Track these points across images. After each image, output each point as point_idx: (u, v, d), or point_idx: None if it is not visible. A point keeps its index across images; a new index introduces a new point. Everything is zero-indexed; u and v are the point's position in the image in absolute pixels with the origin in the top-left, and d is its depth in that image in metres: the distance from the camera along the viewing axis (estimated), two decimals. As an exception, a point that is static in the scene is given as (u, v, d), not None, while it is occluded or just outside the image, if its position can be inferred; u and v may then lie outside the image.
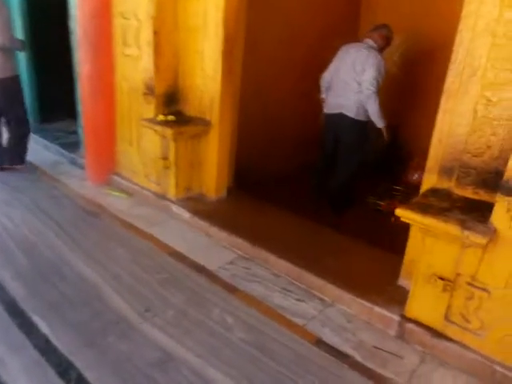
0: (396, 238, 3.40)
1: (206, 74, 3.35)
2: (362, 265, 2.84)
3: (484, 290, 2.04)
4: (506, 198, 1.88)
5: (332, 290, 2.60)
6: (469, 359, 2.12)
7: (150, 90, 3.48)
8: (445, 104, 2.22)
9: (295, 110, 4.75)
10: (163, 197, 3.61)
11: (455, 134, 2.21)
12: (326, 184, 3.94)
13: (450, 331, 2.18)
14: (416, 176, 4.84)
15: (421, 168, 4.77)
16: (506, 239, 1.92)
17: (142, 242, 3.08)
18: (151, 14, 3.25)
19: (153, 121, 3.42)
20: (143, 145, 3.72)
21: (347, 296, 2.53)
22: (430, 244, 2.15)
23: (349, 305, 2.53)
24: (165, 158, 3.46)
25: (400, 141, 5.03)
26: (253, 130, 3.88)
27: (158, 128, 3.32)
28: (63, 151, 4.68)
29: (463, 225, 1.94)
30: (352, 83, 3.49)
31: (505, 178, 1.88)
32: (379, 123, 3.52)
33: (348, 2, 5.07)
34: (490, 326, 2.06)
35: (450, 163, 2.25)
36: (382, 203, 4.19)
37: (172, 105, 3.61)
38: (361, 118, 3.54)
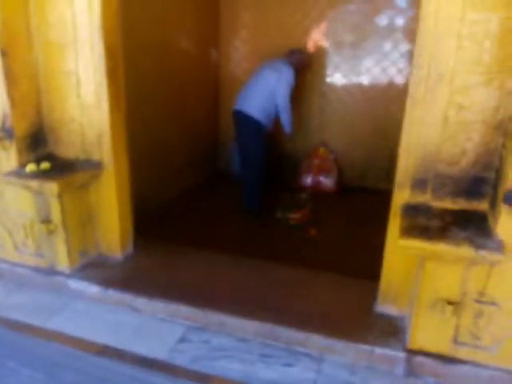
0: (327, 253, 3.28)
1: (86, 103, 2.56)
2: (330, 298, 2.53)
3: (493, 304, 1.93)
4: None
5: (318, 341, 2.22)
6: (486, 376, 2.01)
7: (6, 133, 2.51)
8: (410, 113, 2.04)
9: (181, 131, 4.24)
10: (51, 271, 2.69)
11: (426, 143, 2.04)
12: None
13: (462, 353, 2.04)
14: (309, 179, 4.81)
15: (311, 170, 4.85)
16: (511, 249, 1.82)
17: (45, 346, 2.19)
18: (-7, 27, 2.31)
19: (20, 174, 2.48)
20: (3, 207, 2.71)
21: (339, 344, 2.18)
22: (432, 268, 1.95)
23: (342, 353, 2.19)
24: (47, 221, 2.56)
25: (283, 146, 4.93)
26: (137, 159, 3.19)
27: (34, 183, 2.41)
28: None
29: (475, 245, 1.78)
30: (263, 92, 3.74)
31: (507, 187, 1.77)
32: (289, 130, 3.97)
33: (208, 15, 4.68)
34: (502, 339, 1.97)
35: (423, 175, 2.09)
36: (292, 216, 3.98)
37: (39, 147, 2.69)
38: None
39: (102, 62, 2.45)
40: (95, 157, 2.66)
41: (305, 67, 4.24)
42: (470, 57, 1.88)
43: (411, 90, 2.00)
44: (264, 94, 3.79)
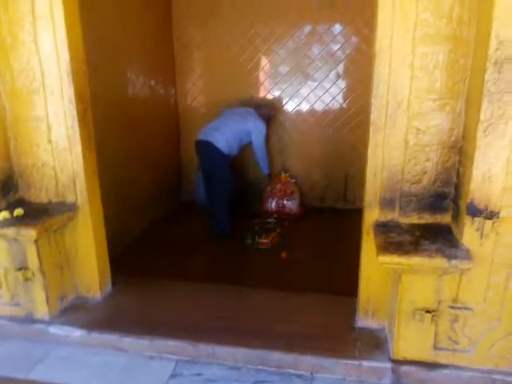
0: (301, 274, 3.39)
1: (58, 147, 2.57)
2: (312, 317, 2.62)
3: (467, 308, 2.09)
4: (474, 219, 1.96)
5: (307, 361, 2.29)
6: (467, 377, 2.15)
7: (-26, 182, 2.47)
8: (373, 138, 2.21)
9: (146, 166, 4.27)
10: (30, 319, 2.61)
11: (390, 165, 2.22)
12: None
13: (442, 358, 2.18)
14: (274, 203, 4.93)
15: (275, 195, 5.00)
16: (478, 257, 2.00)
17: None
18: (-42, 77, 2.30)
19: (-7, 222, 2.43)
20: (-27, 257, 2.62)
21: (327, 362, 2.27)
22: (408, 281, 2.09)
23: (332, 370, 2.27)
24: (23, 269, 2.50)
25: (246, 173, 5.05)
26: (106, 198, 3.19)
27: (9, 231, 2.37)
28: None
29: (447, 256, 1.95)
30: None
31: (468, 200, 1.95)
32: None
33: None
34: (477, 341, 2.13)
35: (390, 194, 2.26)
36: (262, 241, 4.07)
37: (10, 194, 2.65)
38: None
39: (73, 105, 2.48)
40: (70, 199, 2.65)
41: (271, 120, 4.68)
42: (423, 85, 2.08)
43: (373, 117, 2.18)
44: (234, 131, 4.08)
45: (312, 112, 4.86)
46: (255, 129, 4.17)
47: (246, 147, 4.34)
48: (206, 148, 4.02)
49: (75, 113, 2.50)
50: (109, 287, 2.91)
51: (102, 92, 3.30)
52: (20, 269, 2.51)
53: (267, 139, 4.46)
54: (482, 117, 1.84)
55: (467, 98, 2.04)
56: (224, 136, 3.99)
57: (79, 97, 2.51)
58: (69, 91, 2.47)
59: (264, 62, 4.78)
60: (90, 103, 2.66)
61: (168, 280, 3.14)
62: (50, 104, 2.50)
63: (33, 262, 2.50)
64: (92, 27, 2.71)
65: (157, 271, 3.37)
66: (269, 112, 4.56)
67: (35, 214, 2.53)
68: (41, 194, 2.68)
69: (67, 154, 2.57)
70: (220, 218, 4.12)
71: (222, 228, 4.13)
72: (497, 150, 1.86)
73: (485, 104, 1.83)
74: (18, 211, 2.51)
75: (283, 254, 3.83)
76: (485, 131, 1.85)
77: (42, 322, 2.59)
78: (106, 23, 3.41)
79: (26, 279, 2.52)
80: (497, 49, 1.75)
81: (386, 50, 2.07)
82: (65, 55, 2.40)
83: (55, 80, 2.45)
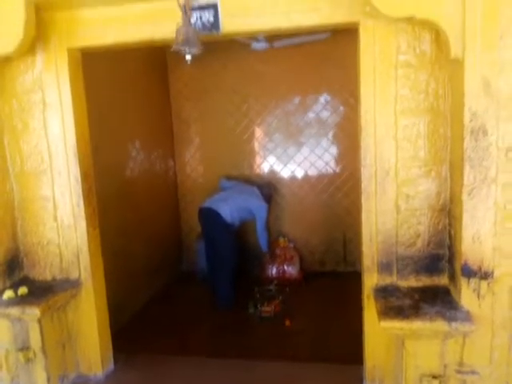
0: (306, 342, 3.34)
1: (64, 224, 2.65)
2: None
3: (473, 372, 2.08)
4: (470, 280, 2.01)
5: None
6: None
7: (-20, 262, 2.52)
8: (366, 205, 2.31)
9: (146, 239, 4.34)
10: (29, 402, 2.55)
11: (384, 230, 2.30)
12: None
13: (454, 426, 2.12)
14: (274, 269, 4.94)
15: (275, 261, 5.02)
16: (478, 318, 2.01)
17: None
18: (-29, 163, 2.44)
19: (-3, 302, 2.45)
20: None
21: None
22: (412, 346, 2.09)
23: None
24: (25, 349, 2.49)
25: (245, 240, 5.10)
26: (107, 272, 3.22)
27: (14, 310, 2.38)
28: None
29: (447, 318, 1.96)
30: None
31: (462, 261, 2.01)
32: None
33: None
34: (487, 406, 2.08)
35: (387, 258, 2.31)
36: (264, 309, 4.03)
37: (15, 273, 2.70)
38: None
39: (79, 185, 2.60)
40: (73, 275, 2.69)
41: (271, 199, 4.81)
42: (408, 154, 2.22)
43: (364, 185, 2.30)
44: (238, 205, 4.19)
45: (306, 178, 5.01)
46: (259, 209, 4.28)
47: (246, 221, 4.45)
48: (209, 215, 4.13)
49: (80, 191, 2.61)
50: (111, 365, 2.86)
51: (103, 169, 3.44)
52: (22, 349, 2.49)
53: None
54: (465, 181, 1.96)
55: (450, 163, 2.17)
56: (229, 207, 4.12)
57: (84, 176, 2.64)
58: (75, 171, 2.60)
59: (258, 132, 5.02)
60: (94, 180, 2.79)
61: (170, 356, 3.09)
62: (56, 184, 2.62)
63: (35, 341, 2.48)
64: (92, 108, 2.88)
65: (159, 346, 3.31)
66: (269, 192, 4.71)
67: (39, 291, 2.55)
68: (45, 272, 2.72)
69: (72, 231, 2.65)
70: (223, 290, 4.13)
71: (225, 301, 4.13)
72: (483, 212, 1.95)
73: (467, 169, 1.95)
74: (23, 290, 2.53)
75: (287, 322, 3.78)
76: (469, 194, 1.96)
77: (41, 404, 2.53)
78: (105, 104, 3.61)
79: (28, 360, 2.49)
80: (471, 120, 1.90)
81: (371, 123, 2.23)
82: (72, 139, 2.56)
83: (62, 162, 2.59)
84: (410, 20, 1.97)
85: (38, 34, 2.36)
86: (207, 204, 4.20)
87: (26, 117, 2.58)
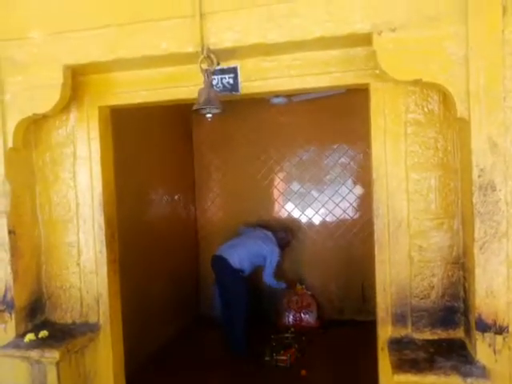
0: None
1: (86, 270, 2.76)
2: None
3: (492, 432, 2.02)
4: (485, 334, 2.00)
5: None
6: None
7: (5, 305, 2.63)
8: (379, 255, 2.35)
9: (165, 281, 4.43)
10: None
11: (398, 281, 2.32)
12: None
13: None
14: (291, 317, 4.91)
15: (292, 308, 4.99)
16: (495, 373, 1.98)
17: None
18: (5, 209, 2.59)
19: (19, 345, 2.53)
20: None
21: None
22: (427, 401, 2.06)
23: None
24: (42, 393, 2.53)
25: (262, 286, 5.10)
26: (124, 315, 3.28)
27: (34, 353, 2.45)
28: None
29: (462, 373, 1.95)
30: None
31: (476, 314, 2.01)
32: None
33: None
34: None
35: (401, 309, 2.32)
36: (280, 358, 4.00)
37: (37, 316, 2.79)
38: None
39: (102, 232, 2.73)
40: (92, 319, 2.76)
41: (288, 245, 4.82)
42: (419, 207, 2.28)
43: (376, 235, 2.35)
44: (249, 251, 4.28)
45: (324, 224, 5.08)
46: (270, 253, 4.33)
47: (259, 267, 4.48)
48: (218, 262, 4.25)
49: (104, 238, 2.73)
50: (125, 410, 2.87)
51: (126, 215, 3.59)
52: (37, 395, 2.54)
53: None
54: (476, 235, 2.00)
55: (462, 217, 2.21)
56: (237, 253, 4.22)
57: (108, 223, 2.77)
58: (99, 219, 2.73)
59: (277, 180, 5.17)
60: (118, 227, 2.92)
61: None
62: (81, 231, 2.75)
63: (52, 384, 2.54)
64: (118, 159, 3.04)
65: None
66: (286, 237, 4.74)
67: (59, 335, 2.62)
68: (66, 315, 2.80)
69: (93, 277, 2.75)
70: (236, 337, 4.14)
71: (238, 347, 4.13)
72: (495, 266, 1.98)
73: (477, 224, 2.00)
74: (43, 333, 2.61)
75: (303, 372, 3.75)
76: (481, 248, 1.99)
77: None
78: (131, 155, 3.83)
79: (44, 404, 2.53)
80: (479, 176, 1.97)
81: (383, 176, 2.32)
82: (98, 188, 2.71)
83: (88, 210, 2.73)
84: (417, 82, 2.09)
85: (72, 95, 2.58)
86: (218, 251, 4.30)
87: (58, 169, 2.76)
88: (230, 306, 4.20)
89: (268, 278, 4.35)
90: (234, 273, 4.17)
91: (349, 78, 2.33)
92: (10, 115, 2.56)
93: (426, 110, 2.24)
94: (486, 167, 1.96)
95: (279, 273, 4.59)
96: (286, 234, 4.75)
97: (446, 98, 2.18)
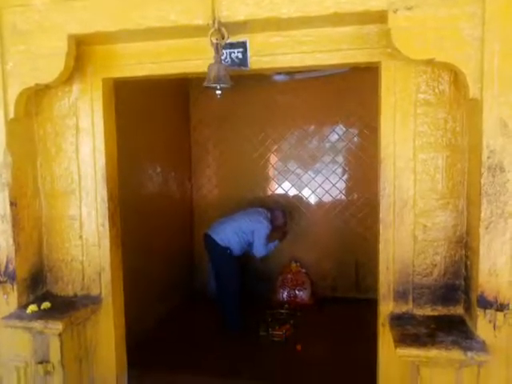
0: (318, 369, 3.38)
1: (88, 243, 2.75)
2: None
3: (488, 404, 2.10)
4: (486, 311, 2.06)
5: None
6: None
7: (7, 277, 2.61)
8: (384, 234, 2.38)
9: (160, 257, 4.43)
10: (46, 416, 2.59)
11: (401, 259, 2.36)
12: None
13: None
14: (285, 294, 4.98)
15: (286, 285, 5.06)
16: (494, 349, 2.06)
17: None
18: (6, 181, 2.55)
19: (21, 316, 2.53)
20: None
21: None
22: (427, 374, 2.12)
23: None
24: (44, 362, 2.55)
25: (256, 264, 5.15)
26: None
27: (37, 324, 2.46)
28: None
29: (463, 348, 2.01)
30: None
31: (478, 292, 2.07)
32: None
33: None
34: None
35: (403, 287, 2.37)
36: (276, 333, 4.07)
37: (39, 287, 2.78)
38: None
39: (105, 205, 2.71)
40: (94, 292, 2.77)
41: (281, 227, 4.71)
42: (426, 187, 2.31)
43: (382, 215, 2.38)
44: (235, 228, 4.27)
45: (320, 204, 5.11)
46: (259, 228, 4.29)
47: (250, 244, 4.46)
48: (207, 241, 4.31)
49: (106, 212, 2.72)
50: (125, 381, 2.91)
51: (124, 190, 3.55)
52: (41, 362, 2.55)
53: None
54: (482, 215, 2.03)
55: (467, 197, 2.25)
56: (224, 231, 4.23)
57: (111, 197, 2.75)
58: (102, 192, 2.71)
59: (274, 159, 5.16)
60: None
61: (182, 374, 3.13)
62: (84, 204, 2.73)
63: (55, 355, 2.54)
64: (118, 131, 2.99)
65: (171, 364, 3.37)
66: (281, 217, 4.60)
67: (61, 307, 2.63)
68: (67, 287, 2.80)
69: (96, 250, 2.75)
70: (230, 314, 4.19)
71: (233, 323, 4.18)
72: (499, 245, 2.03)
73: (484, 204, 2.03)
74: (46, 304, 2.61)
75: (298, 347, 3.81)
76: (486, 228, 2.03)
77: (58, 419, 2.57)
78: (129, 129, 3.76)
79: (46, 373, 2.54)
80: (489, 157, 1.99)
81: (390, 156, 2.33)
82: (101, 162, 2.68)
83: (91, 183, 2.70)
84: (429, 62, 2.09)
85: (76, 65, 2.51)
86: (208, 229, 4.33)
87: (60, 140, 2.71)
88: (221, 285, 4.25)
89: (259, 249, 4.32)
90: (221, 250, 4.19)
91: (360, 56, 2.31)
92: (11, 85, 2.50)
93: (436, 90, 2.24)
94: (496, 148, 1.98)
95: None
96: (282, 214, 4.64)
97: (457, 79, 2.19)
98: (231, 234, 4.23)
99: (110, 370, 2.81)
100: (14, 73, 2.47)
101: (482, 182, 2.01)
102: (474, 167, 2.12)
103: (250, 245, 4.37)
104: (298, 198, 5.17)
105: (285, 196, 5.18)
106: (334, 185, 5.03)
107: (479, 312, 2.07)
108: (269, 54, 2.40)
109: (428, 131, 2.26)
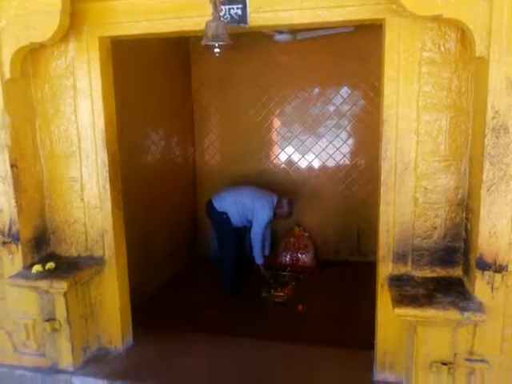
0: (318, 327, 3.45)
1: (90, 205, 2.77)
2: (331, 372, 2.66)
3: (483, 361, 2.15)
4: (484, 272, 2.07)
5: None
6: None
7: (11, 237, 2.65)
8: (384, 197, 2.37)
9: (165, 222, 4.47)
10: (54, 370, 2.70)
11: (401, 221, 2.36)
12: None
13: (460, 412, 2.20)
14: (288, 257, 5.03)
15: (289, 249, 5.11)
16: (491, 309, 2.08)
17: None
18: (6, 142, 2.54)
19: (27, 275, 2.58)
20: (4, 309, 2.76)
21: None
22: (424, 333, 2.16)
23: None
24: (51, 319, 2.62)
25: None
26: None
27: (42, 283, 2.51)
28: None
29: (460, 308, 2.04)
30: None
31: (477, 254, 2.07)
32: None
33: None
34: (494, 395, 2.16)
35: (403, 249, 2.38)
36: (278, 294, 4.14)
37: (43, 248, 2.83)
38: None
39: (106, 168, 2.70)
40: (97, 253, 2.81)
41: (283, 217, 4.48)
42: (428, 148, 2.27)
43: (383, 177, 2.36)
44: (240, 201, 4.22)
45: (324, 169, 5.07)
46: (260, 212, 4.16)
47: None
48: (207, 207, 4.32)
49: (107, 174, 2.71)
50: (130, 339, 3.00)
51: (127, 153, 3.54)
52: (48, 320, 2.62)
53: (279, 192, 4.53)
54: (484, 177, 2.01)
55: (470, 159, 2.22)
56: (225, 199, 4.23)
57: (111, 160, 2.74)
58: (103, 155, 2.70)
59: (277, 123, 5.08)
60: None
61: (186, 333, 3.22)
62: (84, 166, 2.72)
63: (61, 313, 2.62)
64: (118, 94, 2.96)
65: (175, 324, 3.45)
66: (287, 206, 4.35)
67: (65, 267, 2.68)
68: (71, 249, 2.84)
69: (97, 212, 2.76)
70: (225, 277, 4.26)
71: (226, 286, 4.25)
72: (501, 207, 2.01)
73: (487, 166, 2.00)
74: (50, 265, 2.66)
75: (300, 307, 3.89)
76: (488, 190, 2.01)
77: (65, 372, 2.68)
78: (130, 91, 3.70)
79: (53, 330, 2.62)
80: (493, 117, 1.95)
81: (393, 117, 2.28)
82: (100, 124, 2.65)
83: (91, 145, 2.69)
84: (436, 18, 2.01)
85: (71, 23, 2.44)
86: (212, 198, 4.31)
87: (58, 102, 2.68)
88: (220, 249, 4.30)
89: (255, 230, 4.20)
90: (219, 215, 4.23)
91: (363, 13, 2.23)
92: (5, 44, 2.45)
93: (442, 48, 2.16)
94: (501, 109, 1.93)
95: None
96: (288, 204, 4.35)
97: (464, 37, 2.11)
98: (231, 204, 4.22)
99: (115, 328, 2.89)
100: (8, 31, 2.42)
101: (486, 143, 1.97)
102: (478, 128, 2.08)
103: (250, 223, 4.32)
104: (301, 162, 5.13)
105: (288, 160, 5.14)
106: (337, 149, 4.97)
107: (478, 273, 2.08)
108: (269, 10, 2.31)
109: (432, 91, 2.20)
